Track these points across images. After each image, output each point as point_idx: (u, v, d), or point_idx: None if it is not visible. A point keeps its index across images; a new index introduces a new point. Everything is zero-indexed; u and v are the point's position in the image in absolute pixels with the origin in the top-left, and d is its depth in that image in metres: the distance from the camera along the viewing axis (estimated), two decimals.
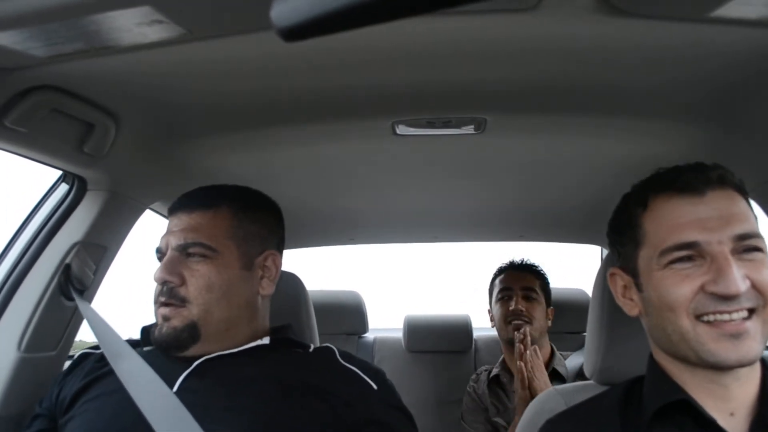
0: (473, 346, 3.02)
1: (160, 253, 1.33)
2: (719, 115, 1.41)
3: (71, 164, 1.45)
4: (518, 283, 2.37)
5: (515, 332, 2.15)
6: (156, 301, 1.29)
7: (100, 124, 1.34)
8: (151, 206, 1.81)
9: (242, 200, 1.38)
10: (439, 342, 3.00)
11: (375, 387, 1.31)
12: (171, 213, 1.37)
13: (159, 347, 1.29)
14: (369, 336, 3.15)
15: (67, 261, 1.53)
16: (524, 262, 2.47)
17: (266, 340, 1.36)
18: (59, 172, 1.55)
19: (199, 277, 1.27)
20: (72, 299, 1.52)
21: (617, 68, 1.23)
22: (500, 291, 2.40)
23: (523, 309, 2.30)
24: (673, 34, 1.06)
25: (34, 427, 1.33)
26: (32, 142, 1.28)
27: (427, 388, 2.91)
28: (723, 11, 0.92)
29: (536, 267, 2.46)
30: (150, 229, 1.86)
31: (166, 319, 1.28)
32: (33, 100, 1.16)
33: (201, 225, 1.31)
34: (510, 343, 2.22)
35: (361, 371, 1.33)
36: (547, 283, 2.45)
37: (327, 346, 1.41)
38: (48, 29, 0.88)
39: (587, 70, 1.24)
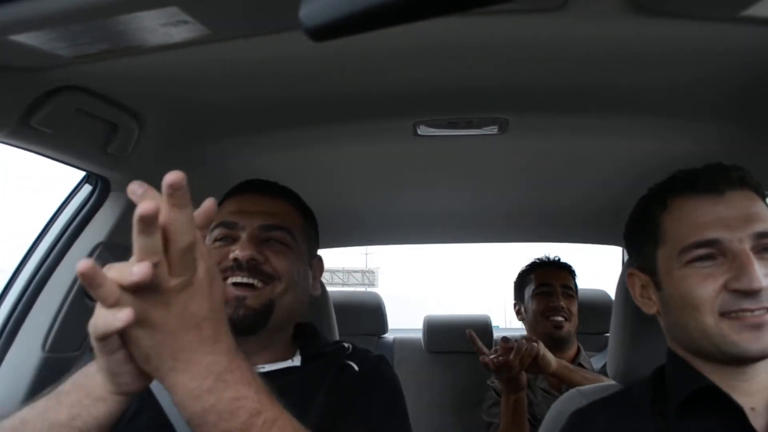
0: (493, 346, 3.00)
1: (230, 228, 1.24)
2: (744, 115, 1.39)
3: (95, 165, 1.46)
4: (558, 280, 2.38)
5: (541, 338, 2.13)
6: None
7: (124, 124, 1.35)
8: None
9: (301, 201, 1.37)
10: (458, 342, 2.97)
11: (356, 368, 1.23)
12: (240, 192, 1.31)
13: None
14: (389, 336, 3.15)
15: None
16: (559, 260, 2.47)
17: (297, 361, 1.26)
18: (83, 173, 1.56)
19: (281, 258, 1.21)
20: (95, 300, 1.53)
21: (642, 68, 1.21)
22: (539, 286, 2.39)
23: (564, 306, 2.31)
24: (701, 33, 1.05)
25: None
26: (57, 143, 1.28)
27: (447, 388, 2.90)
28: (753, 11, 0.91)
29: (570, 266, 2.47)
30: None
31: (240, 300, 1.16)
32: (58, 101, 1.17)
33: (283, 212, 1.28)
34: (545, 338, 2.20)
35: (354, 361, 1.25)
36: (576, 284, 2.45)
37: (341, 347, 1.32)
38: (74, 30, 0.88)
39: (612, 70, 1.23)
